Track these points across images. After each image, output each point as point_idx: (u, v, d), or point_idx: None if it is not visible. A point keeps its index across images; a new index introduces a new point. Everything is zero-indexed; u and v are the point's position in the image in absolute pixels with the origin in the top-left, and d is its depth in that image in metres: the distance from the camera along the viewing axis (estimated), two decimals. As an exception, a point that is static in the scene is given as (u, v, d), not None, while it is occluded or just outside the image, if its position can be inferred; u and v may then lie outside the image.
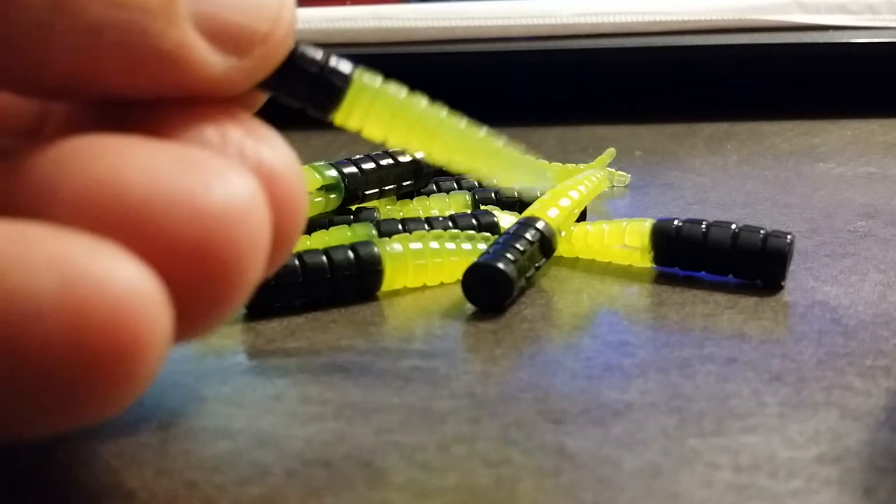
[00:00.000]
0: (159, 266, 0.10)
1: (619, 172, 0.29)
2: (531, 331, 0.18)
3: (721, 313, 0.18)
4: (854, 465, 0.13)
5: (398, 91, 0.14)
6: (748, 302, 0.19)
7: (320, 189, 0.23)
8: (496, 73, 0.45)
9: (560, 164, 0.28)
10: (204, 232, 0.11)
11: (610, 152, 0.29)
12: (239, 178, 0.11)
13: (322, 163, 0.23)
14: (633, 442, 0.13)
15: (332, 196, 0.23)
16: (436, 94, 0.14)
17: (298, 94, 0.14)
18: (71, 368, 0.10)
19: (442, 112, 0.14)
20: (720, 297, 0.19)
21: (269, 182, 0.12)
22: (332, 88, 0.14)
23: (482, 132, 0.14)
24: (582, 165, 0.28)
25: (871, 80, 0.43)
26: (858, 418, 0.14)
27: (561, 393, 0.15)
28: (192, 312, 0.11)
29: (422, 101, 0.14)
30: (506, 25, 0.41)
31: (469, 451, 0.13)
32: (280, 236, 0.12)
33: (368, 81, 0.14)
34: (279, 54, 0.13)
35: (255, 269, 0.11)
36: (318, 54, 0.14)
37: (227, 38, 0.12)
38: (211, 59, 0.12)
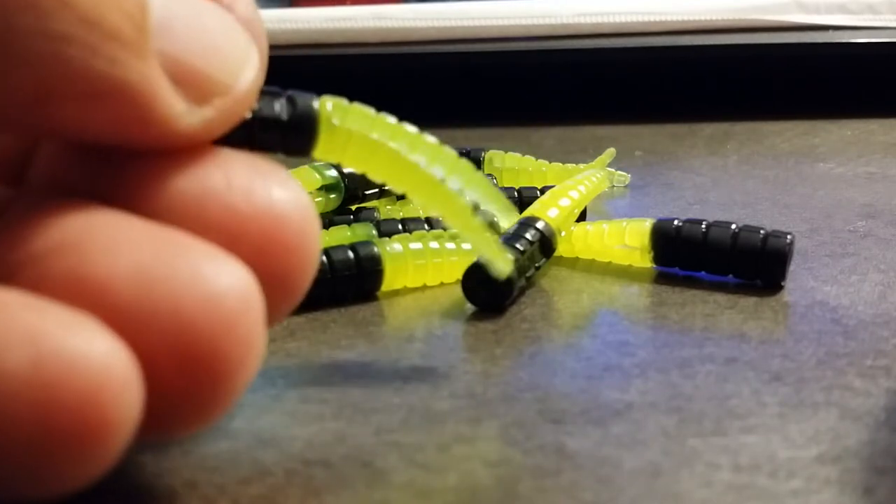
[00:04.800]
0: (145, 366, 0.10)
1: (619, 172, 0.29)
2: (531, 331, 0.18)
3: (721, 313, 0.18)
4: (854, 465, 0.13)
5: (368, 113, 0.14)
6: (748, 302, 0.19)
7: (320, 189, 0.23)
8: (496, 73, 0.45)
9: (560, 164, 0.28)
10: (189, 344, 0.10)
11: (610, 152, 0.29)
12: (232, 280, 0.11)
13: (322, 163, 0.23)
14: (633, 442, 0.13)
15: (332, 196, 0.23)
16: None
17: (269, 146, 0.13)
18: (37, 447, 0.09)
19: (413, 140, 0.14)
20: (720, 297, 0.19)
21: (279, 225, 0.12)
22: (303, 131, 0.13)
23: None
24: (582, 165, 0.28)
25: (871, 80, 0.43)
26: (858, 418, 0.14)
27: (561, 393, 0.15)
28: (176, 413, 0.11)
29: (393, 138, 0.14)
30: (506, 25, 0.41)
31: (469, 451, 0.13)
32: (291, 281, 0.12)
33: (337, 112, 0.13)
34: (238, 110, 0.12)
35: (243, 374, 0.11)
36: (278, 105, 0.13)
37: (188, 82, 0.12)
38: (172, 100, 0.11)
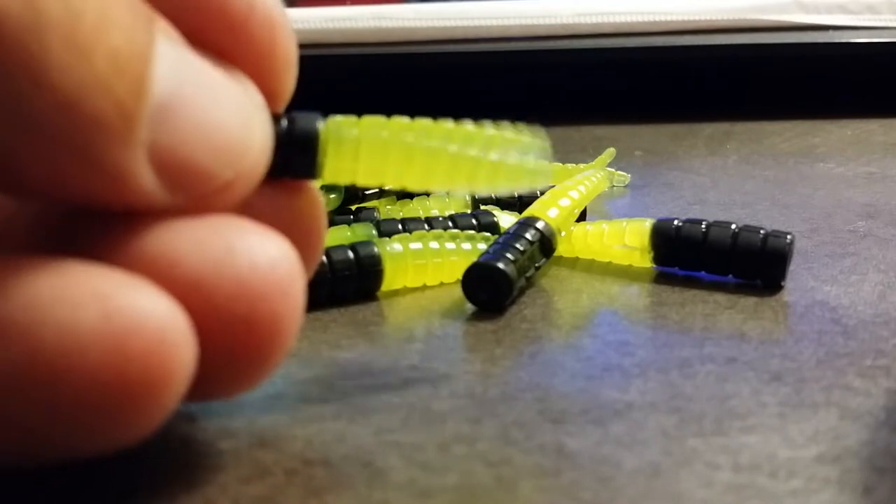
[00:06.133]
0: (205, 331, 0.11)
1: (619, 172, 0.29)
2: (531, 331, 0.18)
3: (721, 313, 0.18)
4: (854, 464, 0.13)
5: (378, 127, 0.13)
6: (748, 302, 0.19)
7: (320, 189, 0.23)
8: (496, 73, 0.45)
9: (560, 164, 0.28)
10: (250, 308, 0.11)
11: (610, 152, 0.29)
12: (280, 252, 0.12)
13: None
14: (633, 442, 0.13)
15: (332, 196, 0.23)
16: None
17: (273, 171, 0.13)
18: (108, 397, 0.10)
19: (429, 137, 0.13)
20: (720, 297, 0.19)
21: (290, 228, 0.12)
22: (307, 153, 0.13)
23: (473, 148, 0.13)
24: (582, 165, 0.28)
25: (871, 80, 0.43)
26: (858, 418, 0.14)
27: (561, 393, 0.15)
28: (231, 376, 0.12)
29: (406, 132, 0.13)
30: (506, 25, 0.41)
31: (469, 451, 0.13)
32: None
33: (343, 133, 0.13)
34: (237, 198, 0.12)
35: (293, 335, 0.12)
36: (278, 128, 0.13)
37: (181, 176, 0.11)
38: (153, 192, 0.11)
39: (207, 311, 0.11)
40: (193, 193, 0.11)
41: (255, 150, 0.12)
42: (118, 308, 0.10)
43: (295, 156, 0.13)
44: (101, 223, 0.11)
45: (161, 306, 0.10)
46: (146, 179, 0.11)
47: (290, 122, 0.13)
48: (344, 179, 0.13)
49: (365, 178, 0.13)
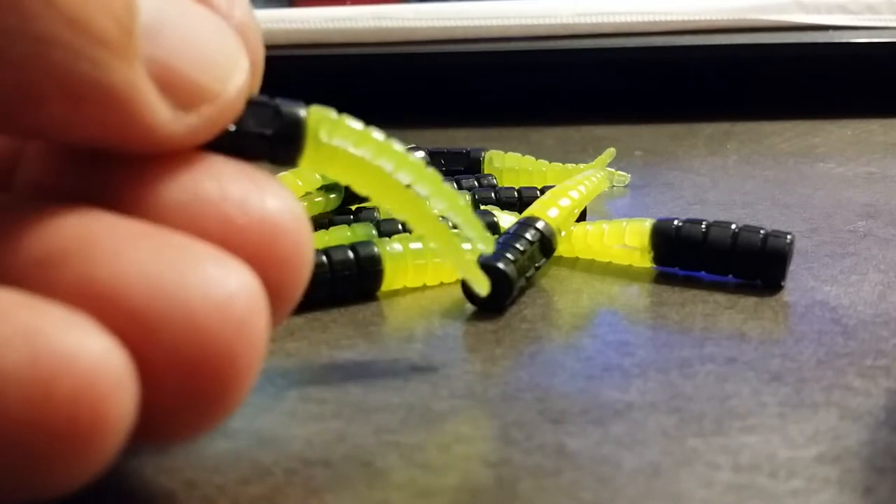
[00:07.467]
0: (153, 371, 0.10)
1: (619, 172, 0.29)
2: (531, 331, 0.18)
3: (721, 313, 0.18)
4: (854, 464, 0.13)
5: (356, 128, 0.13)
6: (748, 302, 0.19)
7: (320, 189, 0.23)
8: (496, 73, 0.45)
9: (560, 164, 0.28)
10: (200, 348, 0.11)
11: (610, 152, 0.29)
12: (239, 283, 0.11)
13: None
14: (633, 442, 0.13)
15: (332, 196, 0.23)
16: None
17: (255, 156, 0.13)
18: (32, 443, 0.09)
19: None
20: (720, 297, 0.19)
21: (273, 236, 0.12)
22: (289, 143, 0.13)
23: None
24: (582, 165, 0.28)
25: (871, 80, 0.43)
26: (858, 418, 0.14)
27: (561, 393, 0.15)
28: (183, 420, 0.11)
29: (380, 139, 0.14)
30: (506, 25, 0.41)
31: (469, 451, 0.13)
32: (283, 292, 0.12)
33: (324, 126, 0.13)
34: (225, 117, 0.12)
35: (250, 377, 0.11)
36: (264, 116, 0.13)
37: (175, 88, 0.11)
38: (157, 106, 0.11)
39: (154, 349, 0.10)
40: (188, 104, 0.12)
41: (233, 64, 0.12)
42: (46, 347, 0.09)
43: (277, 144, 0.13)
44: (41, 251, 0.11)
45: (96, 346, 0.10)
46: (150, 93, 0.11)
47: (276, 110, 0.13)
48: (318, 170, 0.13)
49: (336, 175, 0.14)
